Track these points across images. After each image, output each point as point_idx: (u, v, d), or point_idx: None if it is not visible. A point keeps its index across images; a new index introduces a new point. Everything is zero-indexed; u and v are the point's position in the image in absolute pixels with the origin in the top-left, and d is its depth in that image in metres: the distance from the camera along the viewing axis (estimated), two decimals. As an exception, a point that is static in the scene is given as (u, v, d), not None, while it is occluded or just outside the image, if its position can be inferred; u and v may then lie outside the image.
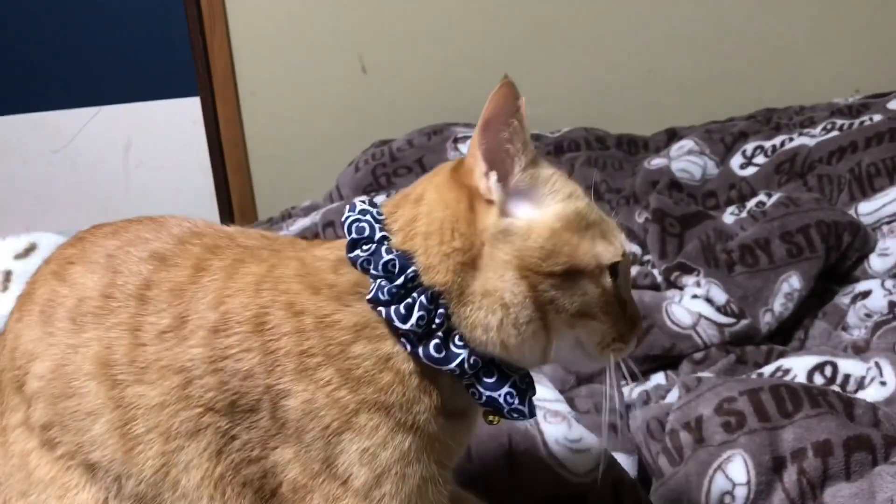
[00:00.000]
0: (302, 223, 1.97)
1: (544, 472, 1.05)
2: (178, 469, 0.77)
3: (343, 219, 0.80)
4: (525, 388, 0.78)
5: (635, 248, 1.80)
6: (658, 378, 1.41)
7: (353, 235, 0.78)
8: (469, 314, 0.75)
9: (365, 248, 0.77)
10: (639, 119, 2.32)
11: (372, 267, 0.75)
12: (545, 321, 0.75)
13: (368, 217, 0.79)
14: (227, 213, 2.76)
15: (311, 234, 1.87)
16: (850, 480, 1.01)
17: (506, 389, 0.77)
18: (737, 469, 1.04)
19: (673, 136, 2.29)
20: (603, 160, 2.19)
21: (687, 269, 1.61)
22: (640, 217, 1.85)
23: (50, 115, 2.71)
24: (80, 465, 0.79)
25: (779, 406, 1.09)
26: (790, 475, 1.02)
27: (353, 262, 0.77)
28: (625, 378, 1.37)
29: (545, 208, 0.77)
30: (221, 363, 0.75)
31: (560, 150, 2.23)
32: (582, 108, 2.47)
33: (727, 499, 1.03)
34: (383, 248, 0.76)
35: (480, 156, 0.75)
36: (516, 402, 0.77)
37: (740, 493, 1.03)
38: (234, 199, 2.70)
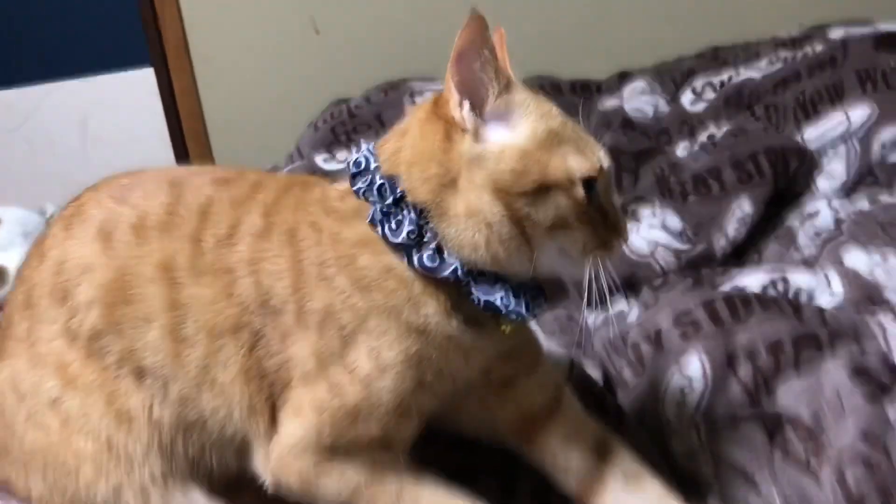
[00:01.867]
0: (265, 184, 1.98)
1: None
2: (218, 367, 0.87)
3: (347, 159, 0.90)
4: (523, 292, 0.85)
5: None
6: (620, 305, 1.46)
7: (353, 170, 0.87)
8: (455, 235, 0.82)
9: (364, 179, 0.86)
10: (590, 64, 2.34)
11: (369, 194, 0.85)
12: (525, 235, 0.82)
13: (365, 151, 0.88)
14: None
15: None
16: (800, 377, 1.07)
17: (501, 293, 0.83)
18: (692, 367, 1.10)
19: (625, 78, 2.32)
20: (559, 107, 2.22)
21: (643, 202, 1.66)
22: (596, 156, 1.89)
23: (2, 94, 2.68)
24: (130, 372, 0.87)
25: (732, 313, 1.15)
26: (745, 370, 1.08)
27: (356, 193, 0.86)
28: (589, 304, 1.45)
29: (519, 130, 0.83)
30: (259, 265, 0.86)
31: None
32: (534, 56, 2.49)
33: (686, 390, 1.08)
34: (377, 176, 0.85)
35: (454, 87, 0.81)
36: (513, 303, 0.83)
37: (697, 386, 1.09)
38: (195, 167, 2.69)
